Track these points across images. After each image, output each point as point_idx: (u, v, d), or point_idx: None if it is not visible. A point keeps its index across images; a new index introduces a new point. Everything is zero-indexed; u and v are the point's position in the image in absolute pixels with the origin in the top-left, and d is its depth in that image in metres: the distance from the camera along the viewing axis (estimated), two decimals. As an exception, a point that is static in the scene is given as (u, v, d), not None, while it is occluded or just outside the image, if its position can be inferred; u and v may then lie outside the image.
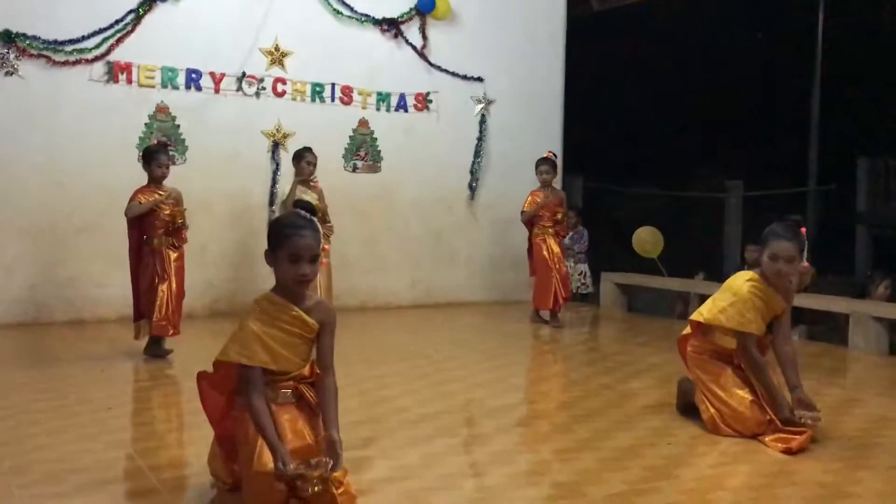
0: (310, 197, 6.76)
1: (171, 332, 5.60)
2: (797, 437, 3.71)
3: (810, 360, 6.07)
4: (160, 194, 5.59)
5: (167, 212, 5.61)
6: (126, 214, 5.56)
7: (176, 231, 5.67)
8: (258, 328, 2.86)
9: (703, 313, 4.13)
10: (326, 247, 6.89)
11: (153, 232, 5.60)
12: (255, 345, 2.83)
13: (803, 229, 3.97)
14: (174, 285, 5.62)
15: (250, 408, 2.83)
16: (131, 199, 5.56)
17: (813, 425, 3.80)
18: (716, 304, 4.08)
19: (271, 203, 7.85)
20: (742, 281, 4.03)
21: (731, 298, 4.00)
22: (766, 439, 3.80)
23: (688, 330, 4.28)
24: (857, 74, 14.69)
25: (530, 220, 7.58)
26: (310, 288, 3.07)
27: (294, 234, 2.85)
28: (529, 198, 7.55)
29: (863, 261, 12.21)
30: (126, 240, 5.68)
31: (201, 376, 3.08)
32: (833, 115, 14.46)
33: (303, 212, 2.94)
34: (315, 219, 2.92)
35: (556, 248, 7.52)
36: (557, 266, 7.46)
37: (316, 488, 2.70)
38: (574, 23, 9.76)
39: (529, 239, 7.68)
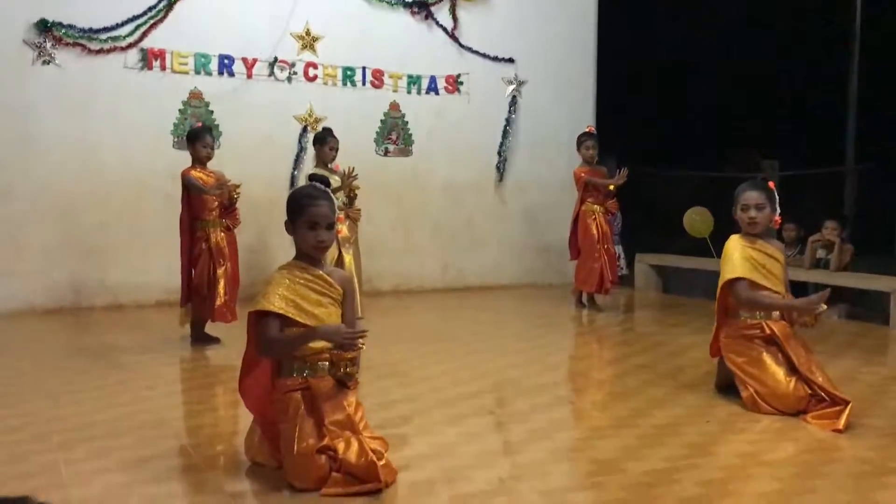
0: (333, 181, 6.75)
1: (231, 318, 5.47)
2: (841, 413, 3.65)
3: (851, 340, 5.98)
4: (214, 177, 5.47)
5: (236, 194, 5.48)
6: (189, 191, 5.41)
7: (231, 211, 5.55)
8: (284, 284, 3.02)
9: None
10: (341, 229, 6.82)
11: (206, 213, 5.47)
12: (275, 295, 2.98)
13: (771, 183, 4.23)
14: (230, 269, 5.52)
15: (272, 343, 2.95)
16: (187, 176, 5.41)
17: (822, 302, 3.85)
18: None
19: (292, 185, 7.83)
20: (729, 243, 4.22)
21: (724, 262, 4.17)
22: (809, 417, 3.75)
23: (714, 328, 4.29)
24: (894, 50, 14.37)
25: (581, 197, 7.16)
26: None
27: (311, 203, 3.06)
28: (577, 171, 7.15)
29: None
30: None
31: (241, 378, 3.19)
32: (871, 92, 14.17)
33: (317, 184, 3.15)
34: (329, 190, 3.14)
35: (605, 227, 7.14)
36: (606, 246, 7.09)
37: (347, 369, 2.95)
38: (606, 1, 9.62)
39: (575, 217, 7.23)
